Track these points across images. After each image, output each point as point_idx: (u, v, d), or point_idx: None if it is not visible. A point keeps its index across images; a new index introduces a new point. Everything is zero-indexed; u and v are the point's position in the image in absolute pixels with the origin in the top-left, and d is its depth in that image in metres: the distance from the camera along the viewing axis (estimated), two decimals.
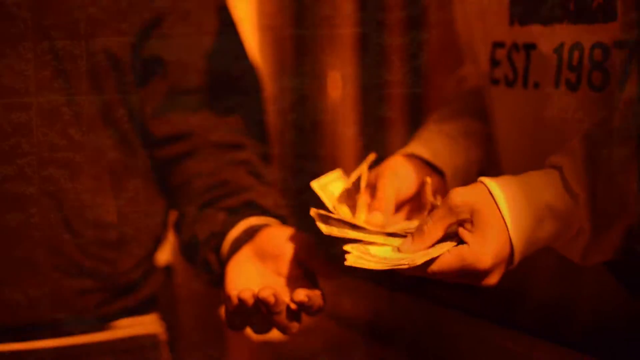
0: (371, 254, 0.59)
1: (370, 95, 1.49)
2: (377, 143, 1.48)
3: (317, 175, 0.74)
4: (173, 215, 0.96)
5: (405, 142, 0.78)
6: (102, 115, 0.87)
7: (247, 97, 0.95)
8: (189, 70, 0.90)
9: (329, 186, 0.72)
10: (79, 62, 0.84)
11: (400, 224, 0.67)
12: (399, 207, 0.69)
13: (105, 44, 0.85)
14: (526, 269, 0.64)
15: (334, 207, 0.68)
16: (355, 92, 1.50)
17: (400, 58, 1.30)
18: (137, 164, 0.92)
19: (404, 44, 1.31)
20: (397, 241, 0.61)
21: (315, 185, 0.72)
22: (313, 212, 0.66)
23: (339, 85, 1.50)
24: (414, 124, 1.16)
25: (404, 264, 0.55)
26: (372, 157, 0.73)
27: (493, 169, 0.80)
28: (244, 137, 0.92)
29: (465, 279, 0.57)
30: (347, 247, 0.60)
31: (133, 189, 0.92)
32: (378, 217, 0.65)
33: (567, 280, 0.76)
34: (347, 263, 0.57)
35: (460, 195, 0.56)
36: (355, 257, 0.58)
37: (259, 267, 0.73)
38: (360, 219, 0.66)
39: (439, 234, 0.57)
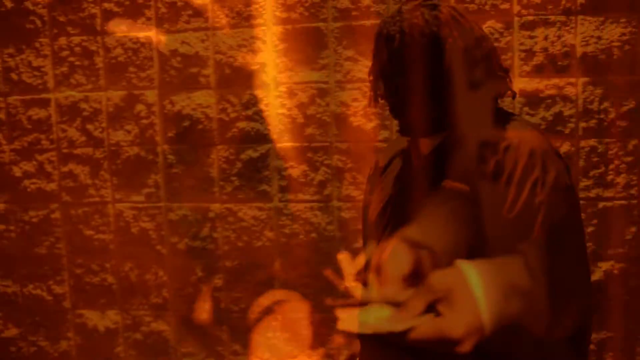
0: (358, 319, 0.71)
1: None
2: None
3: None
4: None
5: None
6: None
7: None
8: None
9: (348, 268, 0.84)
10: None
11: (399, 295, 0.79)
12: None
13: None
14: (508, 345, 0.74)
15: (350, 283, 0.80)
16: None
17: None
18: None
19: None
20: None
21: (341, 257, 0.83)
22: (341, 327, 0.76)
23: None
24: None
25: (384, 329, 0.68)
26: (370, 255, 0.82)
27: (483, 244, 0.87)
28: None
29: (442, 347, 0.68)
30: (339, 314, 0.72)
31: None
32: (390, 290, 0.75)
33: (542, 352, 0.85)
34: (339, 327, 0.71)
35: (437, 278, 0.69)
36: (345, 322, 0.71)
37: None
38: (373, 291, 0.77)
39: (421, 308, 0.69)
